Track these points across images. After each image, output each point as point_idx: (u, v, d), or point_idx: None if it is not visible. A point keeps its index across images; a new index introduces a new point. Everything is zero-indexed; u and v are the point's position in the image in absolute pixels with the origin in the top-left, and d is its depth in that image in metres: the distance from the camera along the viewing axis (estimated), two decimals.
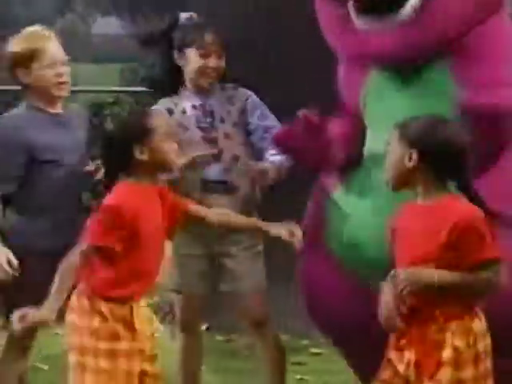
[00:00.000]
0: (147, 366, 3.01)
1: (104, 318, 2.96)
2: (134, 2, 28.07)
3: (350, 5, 3.17)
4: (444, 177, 2.75)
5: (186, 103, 3.70)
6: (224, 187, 3.68)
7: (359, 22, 3.18)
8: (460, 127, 2.86)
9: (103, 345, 2.94)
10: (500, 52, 3.24)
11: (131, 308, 2.96)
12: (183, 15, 3.82)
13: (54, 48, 3.60)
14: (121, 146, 2.93)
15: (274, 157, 3.60)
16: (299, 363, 4.45)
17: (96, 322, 2.95)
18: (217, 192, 3.66)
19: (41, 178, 3.47)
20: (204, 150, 3.56)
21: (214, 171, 3.66)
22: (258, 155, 3.69)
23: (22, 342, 3.54)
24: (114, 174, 2.98)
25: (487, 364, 2.76)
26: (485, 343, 2.75)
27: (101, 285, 2.95)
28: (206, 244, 3.68)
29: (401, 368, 2.77)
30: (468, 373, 2.72)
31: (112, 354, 2.95)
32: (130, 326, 2.97)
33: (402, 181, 2.77)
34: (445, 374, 2.70)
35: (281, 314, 4.74)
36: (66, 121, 3.59)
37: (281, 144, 3.43)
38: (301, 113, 3.27)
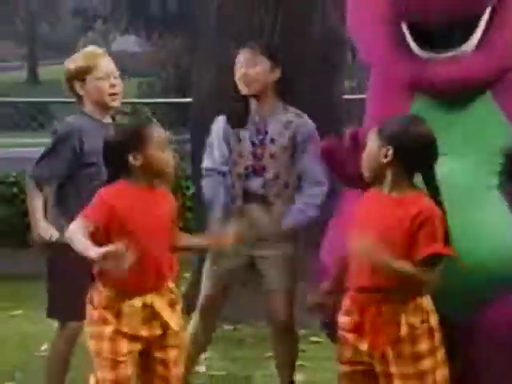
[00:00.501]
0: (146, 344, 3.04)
1: (97, 306, 3.00)
2: (149, 22, 28.06)
3: (407, 33, 3.13)
4: (413, 171, 2.80)
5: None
6: (262, 200, 3.67)
7: (420, 52, 3.12)
8: (428, 126, 2.87)
9: (94, 329, 3.00)
10: None
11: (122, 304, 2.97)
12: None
13: (106, 63, 3.69)
14: (117, 151, 2.98)
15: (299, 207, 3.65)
16: (300, 350, 4.46)
17: (91, 307, 3.01)
18: (255, 203, 3.67)
19: (84, 179, 3.53)
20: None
21: (255, 184, 3.66)
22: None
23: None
24: (113, 175, 3.01)
25: (439, 337, 2.80)
26: (435, 318, 2.80)
27: (99, 273, 2.97)
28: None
29: (363, 347, 2.81)
30: (424, 346, 2.77)
31: (98, 336, 2.99)
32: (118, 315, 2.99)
33: (377, 175, 2.83)
34: (403, 349, 2.76)
35: None
36: None
37: (326, 155, 3.39)
38: (348, 130, 3.25)
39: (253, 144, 3.66)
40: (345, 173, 3.32)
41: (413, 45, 3.13)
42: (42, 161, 3.60)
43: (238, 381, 3.99)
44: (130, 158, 2.95)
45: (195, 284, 5.48)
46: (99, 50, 3.77)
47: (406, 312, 2.77)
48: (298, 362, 4.14)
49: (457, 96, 3.13)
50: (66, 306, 3.55)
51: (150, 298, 2.99)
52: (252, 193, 3.68)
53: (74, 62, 3.70)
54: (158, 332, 3.01)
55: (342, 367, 2.94)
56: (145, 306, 2.98)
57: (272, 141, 3.65)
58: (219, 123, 3.75)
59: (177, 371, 3.11)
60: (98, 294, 3.00)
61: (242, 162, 3.66)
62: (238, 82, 3.66)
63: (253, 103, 3.69)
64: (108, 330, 2.96)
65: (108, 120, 3.65)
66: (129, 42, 35.10)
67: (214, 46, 5.37)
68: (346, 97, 6.37)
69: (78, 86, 3.67)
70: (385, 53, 3.27)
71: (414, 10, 3.06)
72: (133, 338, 2.98)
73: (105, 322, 2.97)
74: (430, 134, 2.82)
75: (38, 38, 37.68)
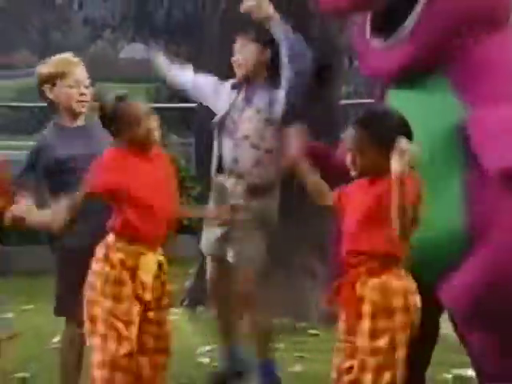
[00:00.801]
0: (148, 313, 3.10)
1: (113, 266, 3.05)
2: (154, 31, 28.07)
3: (368, 30, 3.23)
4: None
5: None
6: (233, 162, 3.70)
7: (373, 43, 3.22)
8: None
9: (109, 288, 3.04)
10: (500, 67, 3.20)
11: (138, 259, 3.04)
12: None
13: (79, 71, 3.67)
14: (105, 124, 3.22)
15: None
16: (298, 343, 4.47)
17: (107, 268, 3.05)
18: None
19: (63, 186, 3.45)
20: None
21: (228, 145, 3.73)
22: None
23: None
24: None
25: (404, 318, 2.77)
26: (403, 300, 2.78)
27: (118, 225, 3.07)
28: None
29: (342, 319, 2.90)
30: (382, 323, 2.77)
31: (116, 297, 3.04)
32: (134, 274, 3.05)
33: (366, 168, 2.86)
34: (364, 324, 2.78)
35: (284, 301, 4.78)
36: (85, 131, 3.62)
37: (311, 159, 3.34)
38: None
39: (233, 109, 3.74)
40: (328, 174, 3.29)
41: (368, 36, 3.23)
42: (22, 173, 3.61)
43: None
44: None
45: (199, 279, 5.51)
46: (74, 58, 3.75)
47: (372, 290, 2.79)
48: (297, 354, 4.15)
49: (408, 79, 3.17)
50: (72, 307, 3.51)
51: (159, 256, 3.10)
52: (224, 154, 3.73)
53: (46, 67, 3.69)
54: (159, 293, 3.10)
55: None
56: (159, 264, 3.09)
57: (249, 105, 3.72)
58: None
59: (167, 329, 3.18)
60: (113, 251, 3.06)
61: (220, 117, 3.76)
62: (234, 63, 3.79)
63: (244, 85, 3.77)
64: (125, 291, 3.03)
65: (81, 123, 3.65)
66: (136, 50, 35.11)
67: (216, 54, 5.41)
68: (343, 102, 6.36)
69: (48, 90, 3.66)
70: (361, 53, 3.38)
71: None
72: (140, 299, 3.05)
73: (121, 283, 3.04)
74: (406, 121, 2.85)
75: (51, 47, 37.67)
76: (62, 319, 3.70)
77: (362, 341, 2.79)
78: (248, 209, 3.64)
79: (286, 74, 3.63)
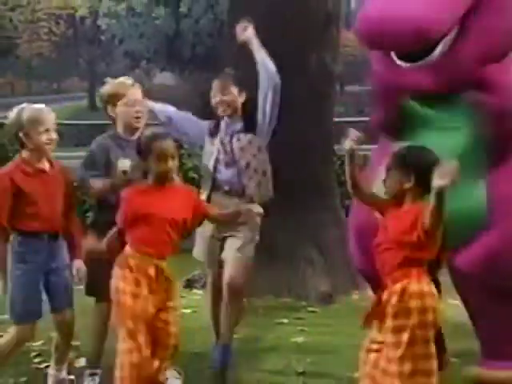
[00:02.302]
0: (161, 313, 3.06)
1: (131, 270, 3.03)
2: (181, 62, 28.12)
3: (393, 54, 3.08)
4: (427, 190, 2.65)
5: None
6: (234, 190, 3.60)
7: (400, 63, 3.06)
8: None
9: (129, 287, 3.01)
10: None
11: (154, 265, 3.02)
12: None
13: (135, 93, 3.60)
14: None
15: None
16: (300, 318, 4.42)
17: (126, 272, 3.03)
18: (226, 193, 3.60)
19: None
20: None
21: (227, 174, 3.61)
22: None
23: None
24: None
25: (423, 318, 2.67)
26: (421, 302, 2.67)
27: (134, 243, 3.06)
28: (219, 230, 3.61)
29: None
30: (401, 322, 2.67)
31: (134, 296, 3.00)
32: (149, 277, 3.02)
33: (397, 196, 2.77)
34: (388, 323, 2.70)
35: (288, 284, 4.75)
36: None
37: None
38: None
39: (222, 143, 3.62)
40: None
41: (395, 58, 3.08)
42: (82, 168, 3.54)
43: (253, 342, 3.95)
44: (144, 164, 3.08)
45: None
46: (130, 81, 3.66)
47: (393, 294, 2.70)
48: (299, 328, 4.11)
49: (433, 98, 3.07)
50: (100, 289, 3.48)
51: (163, 265, 3.05)
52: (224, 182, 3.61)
53: (108, 90, 3.62)
54: (165, 295, 3.06)
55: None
56: (160, 269, 3.03)
57: (238, 139, 3.61)
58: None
59: (175, 329, 3.13)
60: (133, 258, 3.04)
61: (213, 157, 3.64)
62: (215, 105, 3.66)
63: (224, 119, 3.66)
64: (143, 291, 3.00)
65: (135, 137, 3.53)
66: (166, 78, 35.21)
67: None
68: (335, 119, 6.31)
69: (109, 108, 3.60)
70: (381, 70, 3.23)
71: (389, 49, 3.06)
72: (152, 299, 3.02)
73: (138, 284, 3.01)
74: (437, 161, 2.67)
75: (96, 75, 37.78)
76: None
77: (387, 336, 2.71)
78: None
79: (265, 91, 3.59)
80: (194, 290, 5.27)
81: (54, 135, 3.32)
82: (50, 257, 3.36)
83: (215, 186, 3.63)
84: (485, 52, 2.99)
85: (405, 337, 2.65)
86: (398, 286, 2.68)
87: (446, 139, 3.01)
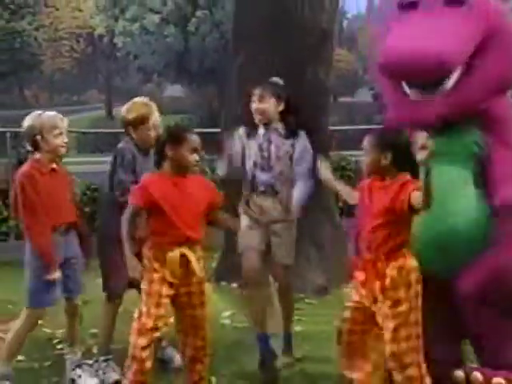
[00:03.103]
0: (177, 290, 3.00)
1: (149, 260, 3.00)
2: (189, 76, 28.13)
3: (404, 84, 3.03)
4: (402, 166, 2.76)
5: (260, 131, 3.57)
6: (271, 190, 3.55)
7: (411, 94, 2.99)
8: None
9: (146, 275, 2.99)
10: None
11: (166, 254, 2.96)
12: None
13: (154, 116, 3.56)
14: (160, 145, 3.06)
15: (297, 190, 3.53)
16: (298, 309, 4.37)
17: (146, 261, 3.00)
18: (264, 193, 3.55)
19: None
20: None
21: (265, 177, 3.54)
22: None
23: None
24: (158, 164, 3.07)
25: (417, 289, 2.73)
26: (415, 275, 2.73)
27: (150, 234, 3.01)
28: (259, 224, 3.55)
29: (363, 292, 2.79)
30: (402, 293, 2.70)
31: (150, 280, 2.98)
32: (163, 265, 2.97)
33: (376, 171, 2.80)
34: (386, 294, 2.72)
35: None
36: (150, 160, 3.40)
37: None
38: None
39: (260, 149, 3.54)
40: None
41: (407, 90, 3.02)
42: (121, 171, 3.48)
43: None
44: (168, 153, 2.98)
45: (222, 261, 5.48)
46: (151, 105, 3.61)
47: (391, 269, 2.71)
48: (297, 317, 4.09)
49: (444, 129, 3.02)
50: (112, 287, 3.54)
51: (183, 250, 2.96)
52: (260, 183, 3.55)
53: (131, 113, 3.56)
54: (187, 280, 2.99)
55: (347, 310, 2.88)
56: (181, 255, 2.95)
57: (276, 147, 3.54)
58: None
59: (202, 312, 3.08)
60: (149, 251, 3.00)
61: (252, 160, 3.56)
62: (253, 112, 3.57)
63: (262, 126, 3.58)
64: (156, 276, 2.96)
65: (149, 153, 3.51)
66: (176, 90, 35.26)
67: (235, 93, 5.38)
68: (331, 128, 6.30)
69: (131, 130, 3.55)
70: (393, 99, 3.17)
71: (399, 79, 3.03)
72: (170, 284, 2.96)
73: (155, 270, 2.97)
74: (410, 143, 2.81)
75: (113, 88, 37.84)
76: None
77: (384, 308, 2.73)
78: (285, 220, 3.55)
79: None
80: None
81: (66, 139, 3.37)
82: (64, 248, 3.36)
83: (253, 187, 3.57)
84: (490, 86, 2.97)
85: (405, 307, 2.69)
86: (395, 263, 2.71)
87: (455, 167, 2.99)
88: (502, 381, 3.01)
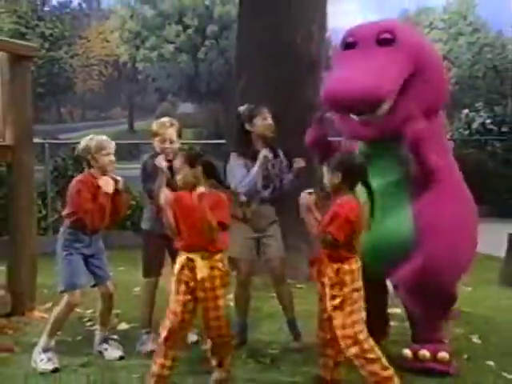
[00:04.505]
0: (196, 293, 2.86)
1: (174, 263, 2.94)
2: (199, 95, 28.12)
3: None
4: (352, 185, 2.74)
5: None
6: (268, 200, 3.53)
7: (354, 117, 3.04)
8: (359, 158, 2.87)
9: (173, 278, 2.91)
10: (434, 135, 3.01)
11: (186, 258, 2.85)
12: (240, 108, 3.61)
13: (170, 131, 3.53)
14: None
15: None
16: None
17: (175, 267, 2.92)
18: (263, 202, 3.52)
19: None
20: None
21: (266, 192, 3.52)
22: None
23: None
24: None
25: (358, 284, 2.73)
26: (350, 276, 2.71)
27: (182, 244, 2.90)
28: (257, 230, 3.53)
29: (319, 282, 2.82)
30: (336, 291, 2.72)
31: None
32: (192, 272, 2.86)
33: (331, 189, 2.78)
34: (327, 291, 2.76)
35: None
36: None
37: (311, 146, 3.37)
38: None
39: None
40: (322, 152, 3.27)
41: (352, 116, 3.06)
42: (149, 181, 3.47)
43: (253, 311, 3.87)
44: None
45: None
46: (169, 122, 3.59)
47: (332, 271, 2.73)
48: None
49: (378, 141, 3.06)
50: (150, 267, 3.53)
51: (192, 255, 2.83)
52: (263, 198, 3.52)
53: (154, 127, 3.59)
54: (210, 285, 2.85)
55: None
56: (189, 259, 2.82)
57: (273, 166, 3.53)
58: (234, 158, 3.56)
59: (222, 313, 2.92)
60: (179, 257, 2.90)
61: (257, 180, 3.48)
62: (263, 128, 3.49)
63: (260, 142, 3.51)
64: (176, 277, 2.89)
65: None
66: (187, 107, 35.25)
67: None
68: None
69: (155, 140, 3.55)
70: (344, 123, 3.20)
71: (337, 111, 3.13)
72: (187, 284, 2.85)
73: (180, 281, 2.87)
74: (362, 164, 2.78)
75: (134, 105, 37.81)
76: (140, 276, 3.64)
77: (327, 301, 2.77)
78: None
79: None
80: None
81: (113, 158, 3.40)
82: (89, 245, 3.39)
83: (260, 200, 3.52)
84: (416, 112, 2.93)
85: (337, 302, 2.71)
86: (335, 265, 2.72)
87: (384, 177, 3.01)
88: (427, 353, 3.07)
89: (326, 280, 2.76)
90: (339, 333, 2.73)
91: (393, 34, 2.92)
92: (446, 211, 2.98)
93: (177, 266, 2.87)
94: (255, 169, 3.44)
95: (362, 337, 2.71)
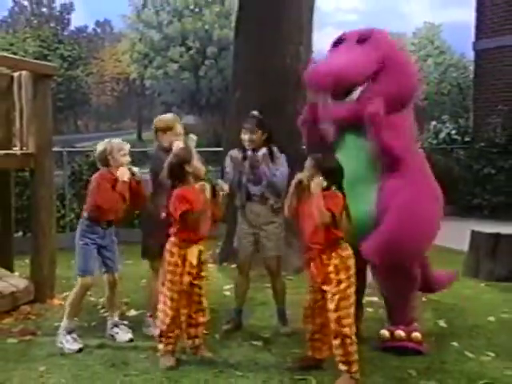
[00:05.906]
0: (194, 281, 2.94)
1: (172, 254, 2.93)
2: (199, 108, 28.06)
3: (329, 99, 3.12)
4: (332, 183, 2.72)
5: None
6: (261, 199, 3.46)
7: (331, 102, 3.11)
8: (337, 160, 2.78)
9: (170, 267, 2.93)
10: (400, 127, 3.04)
11: (187, 249, 2.89)
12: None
13: (179, 126, 3.51)
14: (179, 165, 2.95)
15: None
16: None
17: (168, 255, 2.93)
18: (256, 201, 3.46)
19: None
20: None
21: (256, 189, 3.44)
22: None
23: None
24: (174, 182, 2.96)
25: (352, 271, 2.70)
26: (352, 260, 2.70)
27: (177, 232, 2.91)
28: (253, 226, 3.49)
29: (316, 277, 2.76)
30: (343, 275, 2.69)
31: (173, 272, 2.92)
32: (184, 259, 2.90)
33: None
34: (331, 277, 2.71)
35: None
36: None
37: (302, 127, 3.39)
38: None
39: (251, 167, 3.44)
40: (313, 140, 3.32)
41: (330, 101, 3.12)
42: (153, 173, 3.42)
43: (248, 300, 3.82)
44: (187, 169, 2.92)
45: (224, 247, 5.43)
46: (175, 118, 3.58)
47: (332, 258, 2.69)
48: None
49: (351, 126, 3.07)
50: (151, 252, 3.44)
51: (201, 246, 2.91)
52: (254, 194, 3.46)
53: (160, 123, 3.53)
54: (200, 268, 2.94)
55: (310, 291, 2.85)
56: (199, 251, 2.91)
57: (263, 165, 3.45)
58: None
59: (203, 292, 3.02)
60: (173, 247, 2.91)
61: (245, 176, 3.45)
62: (244, 140, 3.48)
63: (250, 152, 3.48)
64: (178, 270, 2.90)
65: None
66: (189, 119, 35.17)
67: (233, 121, 5.31)
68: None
69: (160, 135, 3.50)
70: (323, 109, 3.24)
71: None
72: (189, 273, 2.89)
73: (178, 265, 2.90)
74: (339, 165, 2.74)
75: (142, 118, 37.69)
76: (147, 269, 3.60)
77: (330, 287, 2.71)
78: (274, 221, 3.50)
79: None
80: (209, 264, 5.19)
81: (129, 158, 3.39)
82: (103, 237, 3.37)
83: (248, 197, 3.48)
84: (378, 99, 2.96)
85: (344, 286, 2.68)
86: (335, 253, 2.69)
87: (352, 158, 3.01)
88: (402, 333, 3.04)
89: (330, 268, 2.69)
90: (336, 315, 2.67)
91: (370, 35, 3.14)
92: (406, 194, 2.95)
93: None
94: (230, 166, 3.48)
95: (353, 319, 2.71)
